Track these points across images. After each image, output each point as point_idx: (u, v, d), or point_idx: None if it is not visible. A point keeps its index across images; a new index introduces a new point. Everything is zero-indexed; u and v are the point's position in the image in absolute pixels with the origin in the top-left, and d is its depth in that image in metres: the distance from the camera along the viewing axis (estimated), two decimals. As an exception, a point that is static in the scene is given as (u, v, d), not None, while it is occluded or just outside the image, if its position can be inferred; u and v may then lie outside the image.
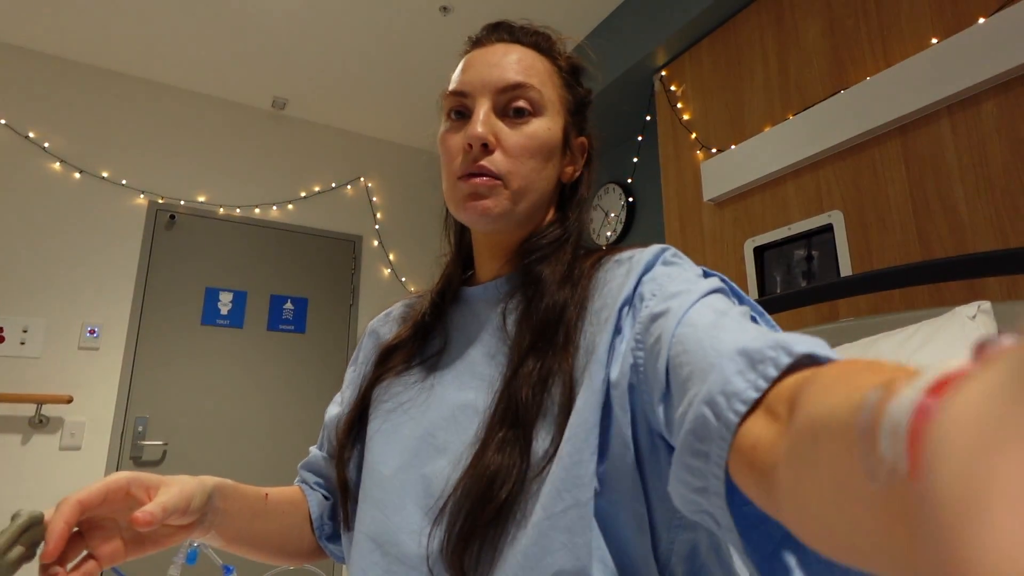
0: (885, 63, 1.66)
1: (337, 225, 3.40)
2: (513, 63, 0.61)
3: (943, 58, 1.49)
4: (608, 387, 0.50)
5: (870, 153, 1.67)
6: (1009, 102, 1.40)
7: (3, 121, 2.69)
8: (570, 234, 0.63)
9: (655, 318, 0.48)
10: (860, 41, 1.74)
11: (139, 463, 2.70)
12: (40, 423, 2.51)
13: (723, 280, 0.52)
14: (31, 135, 2.73)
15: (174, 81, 3.08)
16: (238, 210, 3.14)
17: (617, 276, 0.56)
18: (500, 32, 0.65)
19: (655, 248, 0.56)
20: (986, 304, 0.97)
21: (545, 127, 0.61)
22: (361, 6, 2.57)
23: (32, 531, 0.45)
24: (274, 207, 3.23)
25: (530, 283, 0.60)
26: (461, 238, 0.71)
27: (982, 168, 1.43)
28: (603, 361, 0.51)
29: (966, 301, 1.14)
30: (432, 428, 0.60)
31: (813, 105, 1.82)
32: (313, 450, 0.76)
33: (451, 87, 0.63)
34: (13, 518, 0.45)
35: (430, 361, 0.65)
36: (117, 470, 2.62)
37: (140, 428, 2.72)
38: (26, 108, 2.75)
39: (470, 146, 0.59)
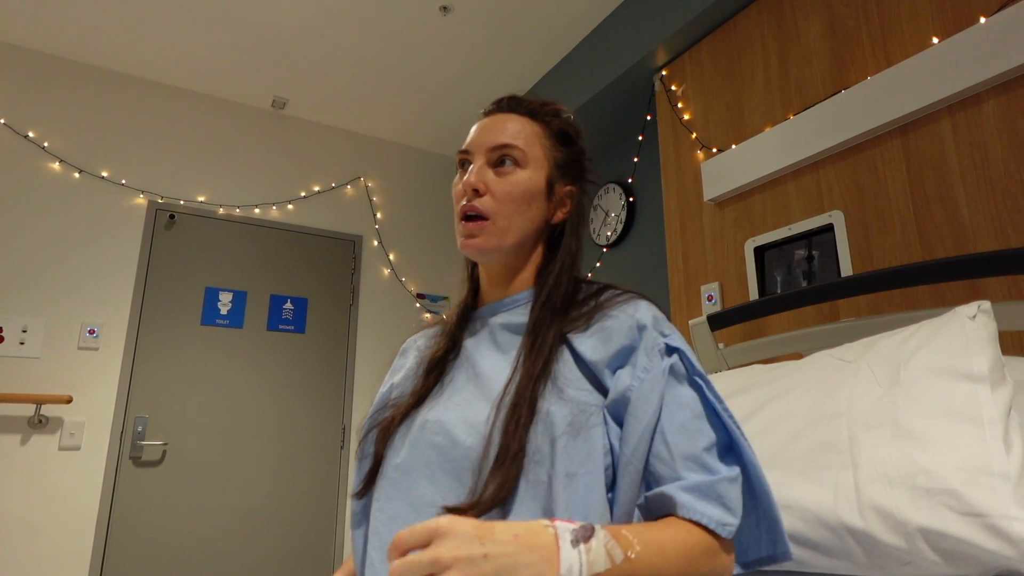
0: (886, 63, 1.66)
1: (337, 225, 3.40)
2: (505, 128, 0.77)
3: (944, 58, 1.49)
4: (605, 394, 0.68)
5: (871, 153, 1.67)
6: (1010, 102, 1.40)
7: (3, 121, 2.68)
8: (560, 266, 0.77)
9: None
10: (861, 41, 1.74)
11: (139, 463, 2.70)
12: (40, 423, 2.51)
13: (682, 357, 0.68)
14: (30, 135, 2.73)
15: (174, 81, 3.08)
16: (238, 210, 3.13)
17: (620, 320, 0.70)
18: (503, 105, 0.81)
19: (648, 317, 0.70)
20: (986, 304, 0.96)
21: (527, 177, 0.76)
22: (361, 6, 2.57)
23: None
24: (274, 207, 3.23)
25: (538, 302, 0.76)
26: (472, 270, 0.88)
27: (983, 168, 1.43)
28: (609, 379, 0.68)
29: (966, 301, 1.14)
30: (441, 418, 0.72)
31: (813, 105, 1.82)
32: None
33: (461, 147, 0.80)
34: None
35: (446, 363, 0.80)
36: (117, 470, 2.63)
37: (140, 428, 2.72)
38: (26, 108, 2.75)
39: (466, 191, 0.75)
